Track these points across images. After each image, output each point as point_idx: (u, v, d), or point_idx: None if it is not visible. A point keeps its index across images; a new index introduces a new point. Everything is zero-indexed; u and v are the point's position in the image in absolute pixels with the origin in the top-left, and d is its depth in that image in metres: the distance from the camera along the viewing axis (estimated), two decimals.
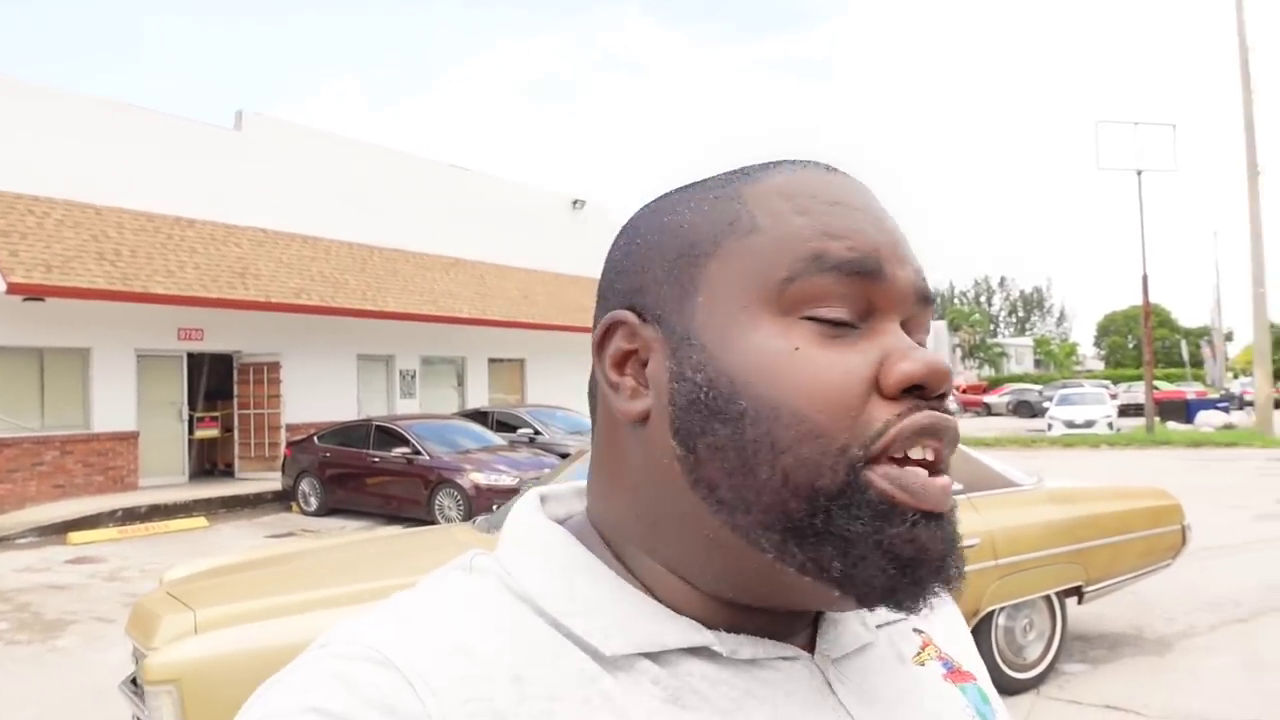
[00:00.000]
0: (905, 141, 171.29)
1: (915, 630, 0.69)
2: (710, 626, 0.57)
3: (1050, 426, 27.57)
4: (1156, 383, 29.60)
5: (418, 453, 12.70)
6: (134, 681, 4.07)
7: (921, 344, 0.58)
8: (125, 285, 13.84)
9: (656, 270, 0.60)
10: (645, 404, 0.58)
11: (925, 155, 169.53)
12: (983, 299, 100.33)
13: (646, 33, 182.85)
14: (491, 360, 22.60)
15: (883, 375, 0.54)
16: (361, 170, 19.55)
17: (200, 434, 17.19)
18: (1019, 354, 78.19)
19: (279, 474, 15.04)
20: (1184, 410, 31.22)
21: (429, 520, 11.75)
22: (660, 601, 0.58)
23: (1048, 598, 5.31)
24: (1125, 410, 33.39)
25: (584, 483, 0.67)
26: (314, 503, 13.71)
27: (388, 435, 13.27)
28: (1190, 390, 37.96)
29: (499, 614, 0.56)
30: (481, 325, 20.12)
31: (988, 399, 46.53)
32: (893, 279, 0.56)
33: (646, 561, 0.59)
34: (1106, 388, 36.06)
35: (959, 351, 68.68)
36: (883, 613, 0.65)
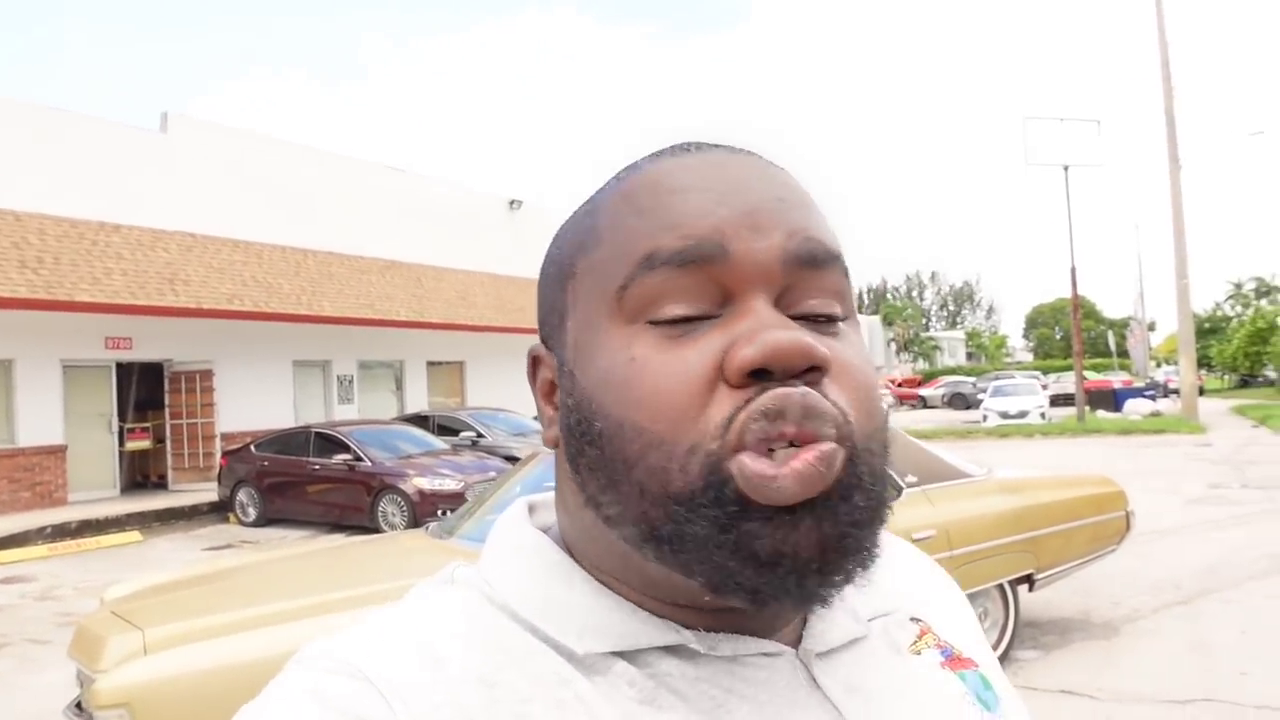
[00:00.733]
0: (839, 140, 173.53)
1: (913, 619, 0.68)
2: (689, 627, 0.56)
3: (985, 418, 28.08)
4: (1085, 373, 30.27)
5: (359, 459, 12.49)
6: (79, 706, 3.91)
7: (823, 315, 0.55)
8: (49, 293, 13.39)
9: (546, 300, 0.61)
10: (554, 432, 0.60)
11: (858, 152, 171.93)
12: (914, 294, 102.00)
13: (583, 30, 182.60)
14: (430, 363, 22.37)
15: (725, 364, 0.51)
16: (293, 172, 19.18)
17: (131, 446, 16.72)
18: (951, 347, 79.73)
19: (215, 484, 14.69)
20: (1112, 399, 32.05)
21: (373, 528, 11.57)
22: (637, 605, 0.57)
23: (1001, 586, 5.38)
24: (1055, 400, 34.19)
25: None
26: (252, 513, 13.41)
27: (328, 442, 13.03)
28: (1117, 380, 38.96)
29: (473, 622, 0.57)
30: (420, 328, 19.89)
31: (923, 392, 47.31)
32: (743, 255, 0.53)
33: (603, 574, 0.59)
34: (1037, 379, 36.84)
35: (894, 345, 69.73)
36: (875, 604, 0.66)
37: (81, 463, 15.30)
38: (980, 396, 35.08)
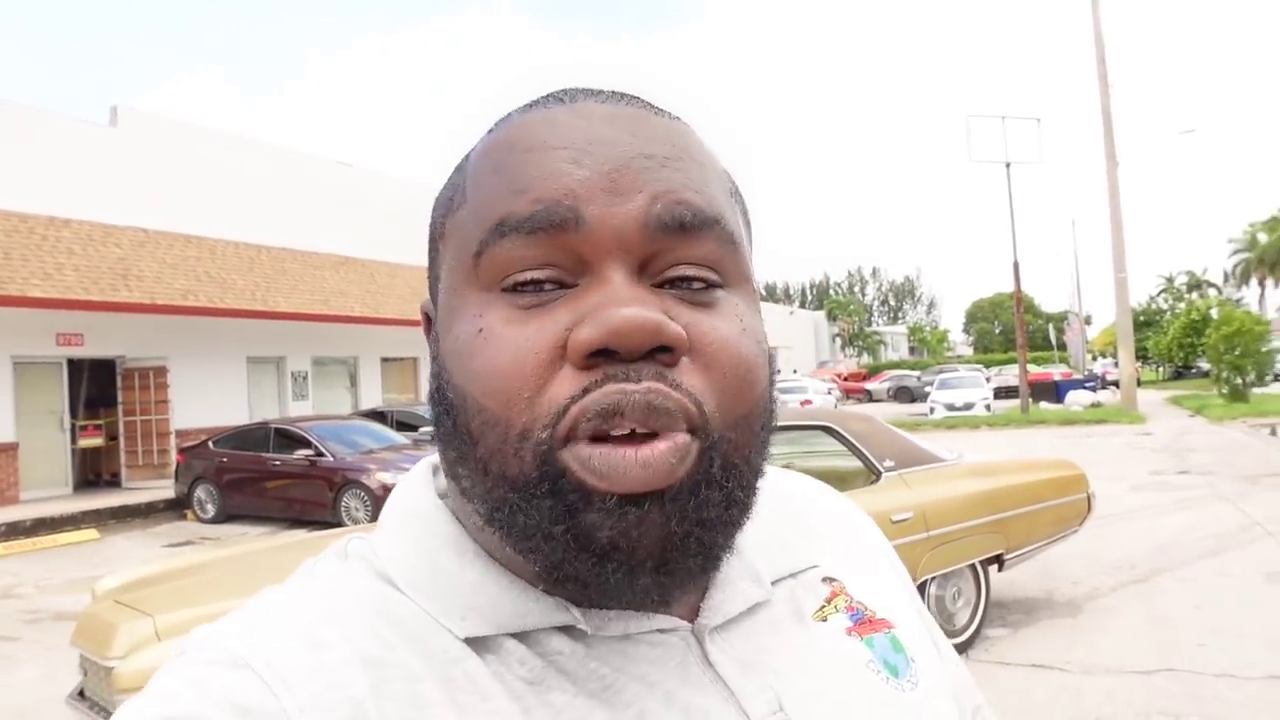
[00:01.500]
0: (782, 136, 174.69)
1: (826, 579, 0.66)
2: (578, 604, 0.54)
3: (932, 410, 28.58)
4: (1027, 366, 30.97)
5: (320, 454, 12.43)
6: (81, 694, 3.95)
7: (695, 279, 0.52)
8: None
9: (429, 260, 0.59)
10: None
11: (801, 149, 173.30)
12: (856, 289, 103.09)
13: (520, 28, 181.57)
14: (384, 359, 22.25)
15: (568, 344, 0.48)
16: (245, 167, 19.00)
17: (84, 443, 16.44)
18: (894, 341, 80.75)
19: (170, 481, 14.52)
20: (1054, 391, 32.87)
21: (335, 523, 11.52)
22: (527, 581, 0.55)
23: (973, 566, 5.59)
24: (997, 393, 34.88)
25: None
26: (211, 509, 13.29)
27: (287, 438, 12.93)
28: (1057, 372, 39.87)
29: (361, 600, 0.54)
30: (374, 324, 19.78)
31: (869, 385, 47.94)
32: (599, 221, 0.49)
33: (490, 547, 0.57)
34: (981, 372, 37.57)
35: (839, 340, 70.52)
36: (782, 564, 0.64)
37: (33, 460, 15.03)
38: (926, 390, 35.67)
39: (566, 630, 0.54)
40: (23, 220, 14.37)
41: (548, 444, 0.48)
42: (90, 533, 12.55)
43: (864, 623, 0.64)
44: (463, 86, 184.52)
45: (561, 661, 0.53)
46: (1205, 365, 36.46)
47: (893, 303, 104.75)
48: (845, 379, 49.72)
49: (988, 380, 34.40)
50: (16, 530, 12.39)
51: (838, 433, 5.44)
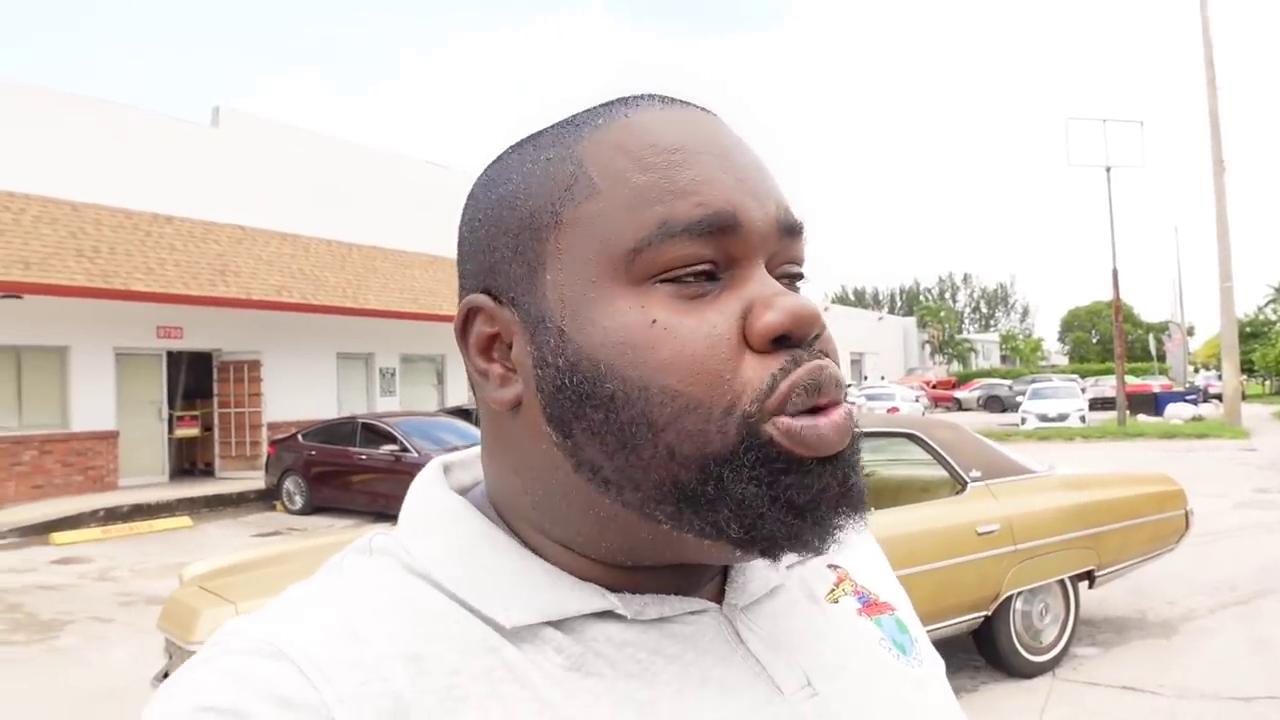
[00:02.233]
0: (874, 141, 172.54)
1: (830, 566, 0.69)
2: (614, 590, 0.57)
3: (1024, 420, 27.83)
4: (1124, 376, 29.99)
5: (405, 450, 12.63)
6: (166, 676, 4.05)
7: (794, 276, 0.58)
8: (105, 282, 13.66)
9: (502, 248, 0.57)
10: (515, 390, 0.56)
11: (893, 154, 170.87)
12: (947, 295, 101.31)
13: (612, 29, 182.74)
14: None
15: (748, 329, 0.52)
16: (339, 167, 19.43)
17: (180, 433, 17.01)
18: (985, 349, 79.10)
19: (261, 473, 14.93)
20: (1153, 403, 31.73)
21: None
22: (562, 570, 0.57)
23: (1062, 582, 5.39)
24: (1093, 404, 33.85)
25: None
26: (299, 501, 13.60)
27: (374, 433, 13.18)
28: (1156, 384, 38.55)
29: (394, 594, 0.55)
30: None
31: (958, 394, 46.99)
32: (750, 224, 0.54)
33: (540, 538, 0.58)
34: (1076, 382, 36.53)
35: (928, 347, 69.32)
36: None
37: (132, 448, 15.60)
38: (1017, 399, 34.81)
39: (604, 616, 0.56)
40: (128, 216, 14.93)
41: (756, 416, 0.51)
42: (184, 520, 12.96)
43: (871, 605, 0.69)
44: (544, 87, 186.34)
45: (599, 647, 0.55)
46: None
47: (985, 310, 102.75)
48: (934, 386, 48.86)
49: (1083, 391, 33.45)
50: (115, 515, 12.85)
51: (923, 440, 5.29)
